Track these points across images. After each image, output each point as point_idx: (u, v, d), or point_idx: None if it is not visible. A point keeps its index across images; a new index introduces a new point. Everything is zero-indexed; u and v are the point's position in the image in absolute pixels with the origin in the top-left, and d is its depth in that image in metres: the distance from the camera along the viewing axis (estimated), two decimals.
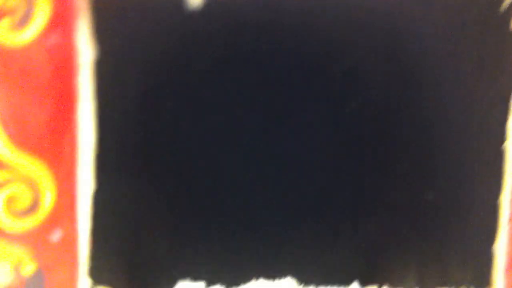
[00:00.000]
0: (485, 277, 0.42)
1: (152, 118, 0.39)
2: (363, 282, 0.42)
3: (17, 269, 0.38)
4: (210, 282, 0.41)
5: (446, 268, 0.42)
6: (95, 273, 0.40)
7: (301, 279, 0.42)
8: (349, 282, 0.42)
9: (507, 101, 0.41)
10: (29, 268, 0.38)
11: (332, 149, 0.41)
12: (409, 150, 0.41)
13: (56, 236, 0.38)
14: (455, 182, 0.42)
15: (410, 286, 0.42)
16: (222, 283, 0.41)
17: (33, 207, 0.38)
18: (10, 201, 0.37)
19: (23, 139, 0.37)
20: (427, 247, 0.42)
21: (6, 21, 0.35)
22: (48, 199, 0.38)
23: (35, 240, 0.38)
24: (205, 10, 0.38)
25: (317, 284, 0.42)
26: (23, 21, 0.35)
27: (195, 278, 0.41)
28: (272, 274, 0.41)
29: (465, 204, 0.42)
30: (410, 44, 0.40)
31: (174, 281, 0.41)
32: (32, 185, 0.37)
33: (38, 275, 0.38)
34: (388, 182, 0.41)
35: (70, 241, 0.38)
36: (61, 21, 0.36)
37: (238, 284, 0.41)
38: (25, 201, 0.37)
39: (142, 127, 0.39)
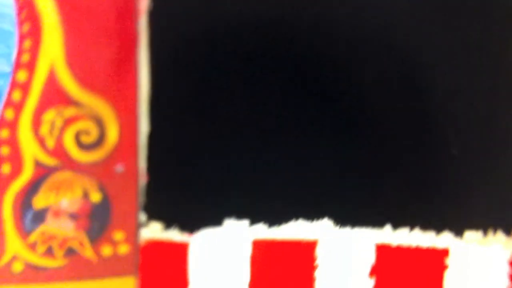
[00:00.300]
0: None
1: (204, 67, 0.42)
2: (395, 225, 0.44)
3: (85, 196, 0.40)
4: (253, 221, 0.43)
5: (474, 211, 0.44)
6: (149, 208, 0.42)
7: (337, 221, 0.44)
8: (382, 224, 0.44)
9: None
10: (96, 196, 0.41)
11: (362, 108, 0.43)
12: (440, 111, 0.43)
13: (120, 169, 0.41)
14: (481, 135, 0.44)
15: (439, 229, 0.44)
16: (264, 222, 0.43)
17: (99, 141, 0.40)
18: (78, 135, 0.40)
19: (88, 79, 0.39)
20: (455, 193, 0.44)
21: None
22: (113, 135, 0.40)
23: (101, 171, 0.40)
24: None
25: (352, 225, 0.44)
26: None
27: (240, 217, 0.43)
28: (311, 215, 0.44)
29: (491, 153, 0.44)
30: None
31: (221, 220, 0.43)
32: (98, 121, 0.40)
33: (104, 203, 0.41)
34: (415, 138, 0.44)
35: (132, 175, 0.41)
36: None
37: (279, 223, 0.43)
38: (91, 135, 0.40)
39: (195, 75, 0.42)
